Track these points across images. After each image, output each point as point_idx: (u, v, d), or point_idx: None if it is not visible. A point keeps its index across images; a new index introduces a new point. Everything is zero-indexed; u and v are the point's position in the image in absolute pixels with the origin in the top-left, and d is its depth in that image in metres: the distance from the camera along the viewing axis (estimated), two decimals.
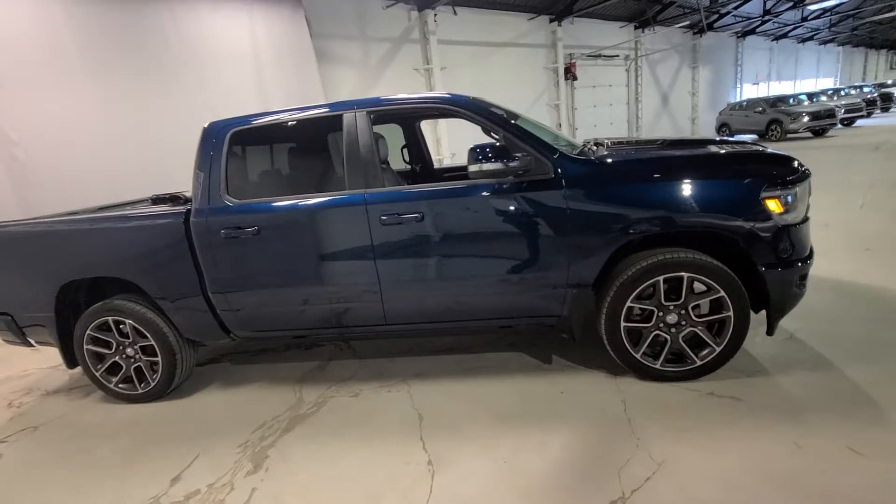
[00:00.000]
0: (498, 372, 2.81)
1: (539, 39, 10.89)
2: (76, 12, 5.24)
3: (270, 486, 2.09)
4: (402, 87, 8.72)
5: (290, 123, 2.68)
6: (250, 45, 6.38)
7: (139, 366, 2.92)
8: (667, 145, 2.58)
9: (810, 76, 25.05)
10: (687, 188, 2.23)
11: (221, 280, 2.68)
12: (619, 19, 12.34)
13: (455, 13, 9.18)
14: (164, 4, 5.73)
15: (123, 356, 2.93)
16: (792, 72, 22.81)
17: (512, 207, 2.36)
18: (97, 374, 2.97)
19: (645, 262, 2.31)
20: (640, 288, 2.32)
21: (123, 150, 5.48)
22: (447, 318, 2.63)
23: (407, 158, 3.86)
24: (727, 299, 2.29)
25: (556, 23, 10.90)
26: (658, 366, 2.43)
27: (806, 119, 12.51)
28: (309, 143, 2.64)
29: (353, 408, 2.65)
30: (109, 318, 2.85)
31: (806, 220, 2.34)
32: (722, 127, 15.36)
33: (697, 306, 2.36)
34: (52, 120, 5.13)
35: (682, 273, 2.29)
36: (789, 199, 2.23)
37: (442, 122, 9.18)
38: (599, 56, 12.22)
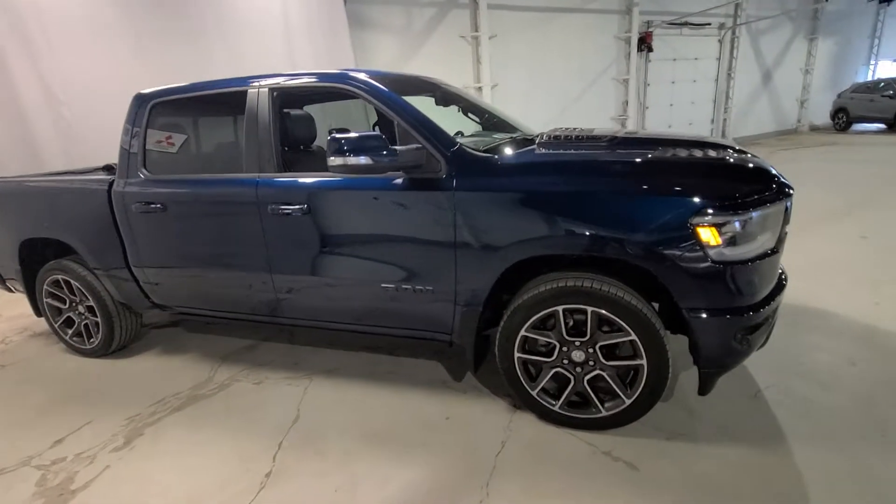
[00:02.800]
0: (402, 381, 2.58)
1: (611, 4, 9.70)
2: None
3: (121, 467, 2.11)
4: (446, 56, 8.30)
5: (206, 97, 2.56)
6: (281, 11, 6.36)
7: (86, 323, 3.11)
8: (616, 143, 2.08)
9: None
10: (592, 202, 1.78)
11: (138, 253, 2.70)
12: None
13: None
14: None
15: (76, 312, 3.13)
16: None
17: (399, 206, 2.06)
18: (55, 326, 3.22)
19: (541, 288, 1.91)
20: (536, 317, 1.94)
21: None
22: (343, 319, 2.43)
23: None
24: (639, 344, 1.84)
25: None
26: (557, 408, 2.05)
27: None
28: (221, 120, 2.52)
29: (248, 396, 2.59)
30: (59, 277, 3.04)
31: (766, 255, 1.78)
32: (838, 112, 12.91)
33: (611, 346, 1.93)
34: (94, 81, 5.54)
35: (586, 306, 1.86)
36: (737, 226, 1.69)
37: (486, 93, 8.66)
38: (685, 24, 10.65)
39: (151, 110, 2.62)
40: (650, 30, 10.08)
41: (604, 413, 1.99)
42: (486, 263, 1.96)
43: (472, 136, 2.78)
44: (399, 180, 2.04)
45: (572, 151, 2.04)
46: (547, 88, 9.40)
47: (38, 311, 3.28)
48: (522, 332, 1.99)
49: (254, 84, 2.36)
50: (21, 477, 2.09)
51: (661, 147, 2.07)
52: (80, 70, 5.47)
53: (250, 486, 1.92)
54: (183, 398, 2.61)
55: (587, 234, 1.79)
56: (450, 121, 3.07)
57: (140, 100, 2.65)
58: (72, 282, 2.99)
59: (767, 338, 1.96)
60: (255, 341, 3.22)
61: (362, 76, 2.18)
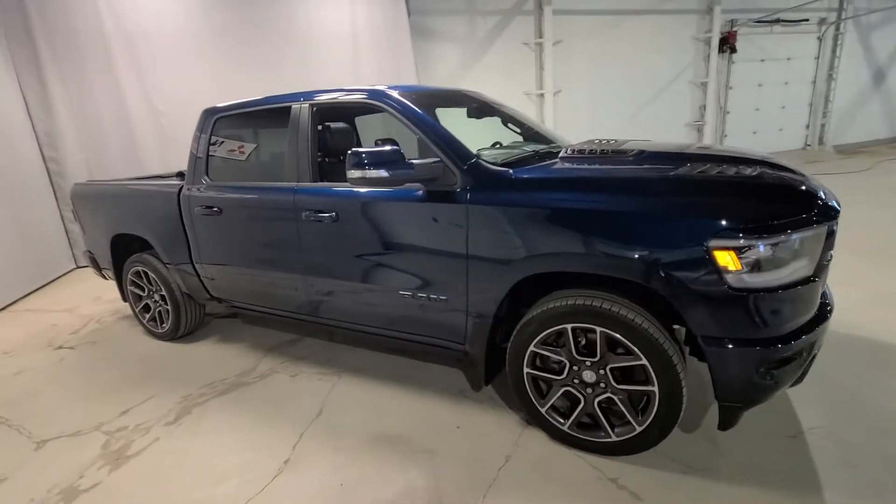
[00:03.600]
0: (423, 386, 2.65)
1: (689, 4, 9.11)
2: (210, 1, 6.19)
3: (168, 440, 2.38)
4: (508, 63, 8.28)
5: (260, 112, 2.81)
6: (350, 26, 6.73)
7: (160, 310, 3.53)
8: (642, 158, 1.99)
9: None
10: (600, 220, 1.73)
11: (199, 251, 3.03)
12: None
13: None
14: None
15: (152, 300, 3.56)
16: None
17: (416, 217, 2.14)
18: (136, 311, 3.69)
19: (550, 305, 1.89)
20: (545, 333, 1.92)
21: None
22: (365, 322, 2.55)
23: None
24: (650, 370, 1.75)
25: None
26: (566, 427, 2.01)
27: None
28: (272, 132, 2.76)
29: (283, 388, 2.80)
30: (140, 268, 3.48)
31: (799, 284, 1.62)
32: None
33: (623, 369, 1.86)
34: (187, 94, 6.23)
35: (595, 326, 1.81)
36: (761, 251, 1.56)
37: (548, 100, 8.53)
38: (777, 21, 9.71)
39: (215, 123, 2.93)
40: (734, 29, 9.33)
41: (614, 438, 1.91)
42: (496, 277, 1.98)
43: (499, 148, 2.79)
44: (419, 192, 2.12)
45: (587, 167, 1.99)
46: (615, 94, 9.05)
47: (124, 297, 3.78)
48: (532, 348, 1.97)
49: (298, 100, 2.57)
50: (91, 439, 2.44)
51: (690, 163, 1.95)
52: (176, 85, 6.19)
53: (268, 472, 2.08)
54: (228, 384, 2.88)
55: (594, 252, 1.74)
56: (490, 132, 3.13)
57: (207, 113, 2.97)
58: (149, 273, 3.42)
59: (804, 374, 1.78)
60: (299, 336, 3.46)
61: (389, 93, 2.29)
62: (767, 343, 1.61)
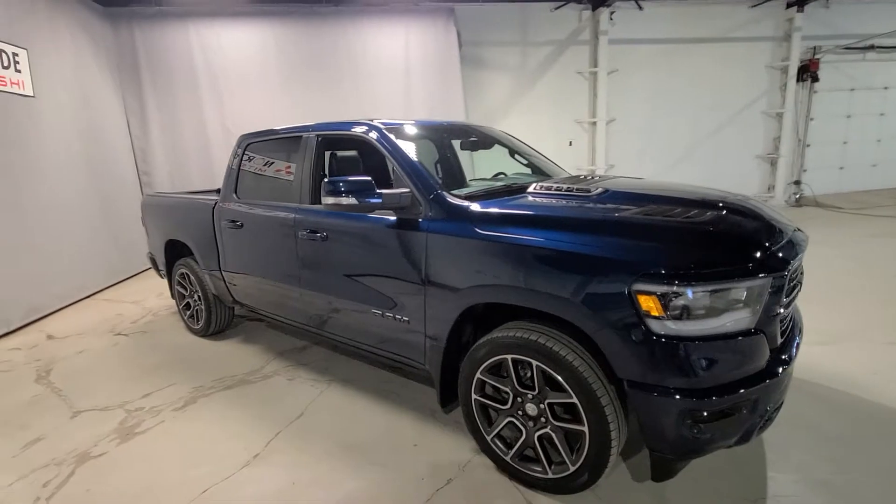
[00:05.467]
0: (399, 403, 2.77)
1: (763, 31, 8.57)
2: (279, 36, 6.95)
3: (171, 424, 2.71)
4: (560, 91, 8.31)
5: (281, 139, 3.17)
6: (402, 56, 7.19)
7: (197, 309, 3.99)
8: (602, 198, 2.00)
9: None
10: (533, 256, 1.78)
11: (225, 259, 3.42)
12: None
13: (640, 8, 8.15)
14: (339, 27, 7.01)
15: (192, 299, 4.04)
16: None
17: (386, 240, 2.30)
18: (179, 307, 4.19)
19: (496, 335, 1.95)
20: (489, 362, 1.98)
21: None
22: (350, 336, 2.74)
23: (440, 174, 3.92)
24: (579, 408, 1.75)
25: (795, 8, 8.40)
26: (508, 457, 2.03)
27: None
28: (286, 158, 3.08)
29: (279, 389, 3.05)
30: (184, 271, 3.97)
31: (736, 336, 1.55)
32: None
33: (564, 407, 1.86)
34: (256, 119, 6.98)
35: (530, 359, 1.84)
36: (690, 298, 1.53)
37: (600, 128, 8.41)
38: (871, 48, 8.83)
39: (247, 147, 3.34)
40: (817, 56, 8.63)
41: (550, 475, 1.90)
42: (447, 303, 2.08)
43: (499, 179, 2.91)
44: (392, 218, 2.29)
45: (537, 202, 2.04)
46: (673, 124, 8.70)
47: (172, 295, 4.31)
48: (479, 375, 2.04)
49: (308, 131, 2.87)
50: (113, 415, 2.83)
51: (653, 204, 1.94)
52: (246, 110, 6.97)
53: (238, 462, 2.31)
54: (235, 380, 3.20)
55: (525, 287, 1.79)
56: (497, 163, 3.26)
57: (242, 138, 3.39)
58: (190, 275, 3.89)
59: (750, 434, 1.67)
60: (308, 344, 3.73)
61: (374, 127, 2.51)
62: (693, 394, 1.55)
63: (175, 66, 6.78)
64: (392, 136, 2.43)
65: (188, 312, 4.09)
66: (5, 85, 4.45)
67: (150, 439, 2.57)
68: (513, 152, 3.31)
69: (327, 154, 2.92)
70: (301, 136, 2.89)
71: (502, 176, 3.15)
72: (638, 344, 1.58)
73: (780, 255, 1.63)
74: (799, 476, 1.98)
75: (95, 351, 3.85)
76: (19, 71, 4.65)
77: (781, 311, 1.64)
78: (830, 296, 4.14)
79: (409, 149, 2.40)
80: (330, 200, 2.20)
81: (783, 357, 1.72)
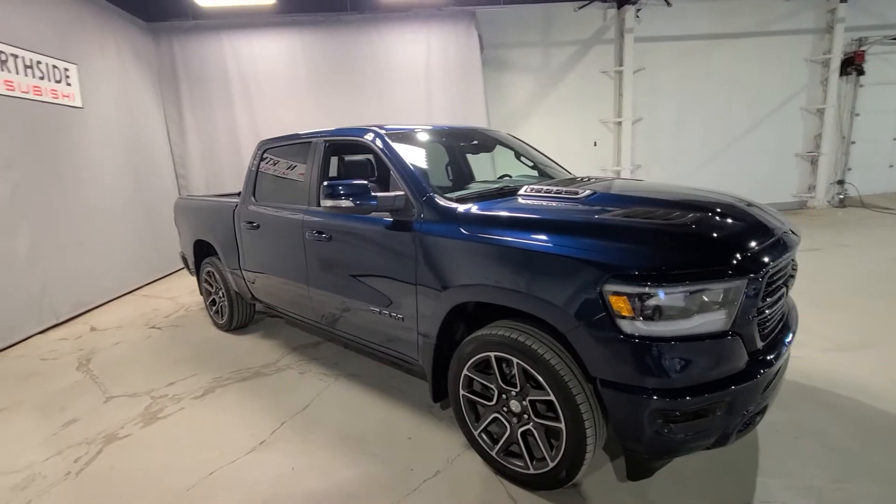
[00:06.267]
0: (400, 398, 2.87)
1: (802, 23, 8.17)
2: (307, 45, 7.22)
3: (190, 411, 2.91)
4: (584, 91, 8.21)
5: (294, 145, 3.33)
6: (424, 61, 7.30)
7: (221, 305, 4.24)
8: (589, 200, 2.03)
9: None
10: (512, 256, 1.83)
11: (244, 258, 3.63)
12: None
13: (669, 4, 7.95)
14: (364, 35, 7.21)
15: (218, 295, 4.30)
16: None
17: (382, 241, 2.41)
18: (206, 303, 4.46)
19: (481, 333, 2.02)
20: (475, 359, 2.05)
21: None
22: (351, 332, 2.86)
23: (451, 177, 4.01)
24: (556, 405, 1.79)
25: None
26: (493, 452, 2.08)
27: None
28: (298, 162, 3.24)
29: (290, 381, 3.22)
30: (210, 269, 4.23)
31: (707, 338, 1.56)
32: None
33: (546, 403, 1.90)
34: (285, 123, 7.28)
35: (511, 357, 1.90)
36: (661, 298, 1.55)
37: (625, 128, 8.26)
38: None
39: (264, 152, 3.53)
40: (862, 48, 8.15)
41: (531, 470, 1.95)
42: (435, 301, 2.16)
43: (498, 181, 2.97)
44: (389, 220, 2.39)
45: (523, 204, 2.09)
46: (704, 122, 8.43)
47: (200, 291, 4.58)
48: (465, 372, 2.10)
49: (317, 137, 3.02)
50: (140, 401, 3.07)
51: (638, 206, 1.96)
52: (275, 115, 7.28)
53: (245, 448, 2.47)
54: (251, 372, 3.39)
55: (503, 286, 1.85)
56: (513, 165, 3.33)
57: (260, 144, 3.59)
58: (215, 273, 4.14)
59: (728, 436, 1.66)
60: (321, 340, 3.90)
61: (375, 133, 2.62)
62: (665, 394, 1.57)
63: (210, 76, 7.17)
64: (391, 141, 2.54)
65: (213, 308, 4.34)
66: (57, 98, 4.87)
67: (169, 424, 2.78)
68: (518, 155, 3.35)
69: (334, 159, 3.06)
70: (311, 142, 3.05)
71: (507, 178, 3.20)
72: (609, 344, 1.60)
73: (760, 257, 1.62)
74: (791, 482, 1.94)
75: (131, 342, 4.16)
76: (70, 84, 5.07)
77: (766, 312, 1.63)
78: (864, 301, 3.94)
79: (406, 153, 2.50)
80: (329, 203, 2.32)
81: (768, 358, 1.70)
